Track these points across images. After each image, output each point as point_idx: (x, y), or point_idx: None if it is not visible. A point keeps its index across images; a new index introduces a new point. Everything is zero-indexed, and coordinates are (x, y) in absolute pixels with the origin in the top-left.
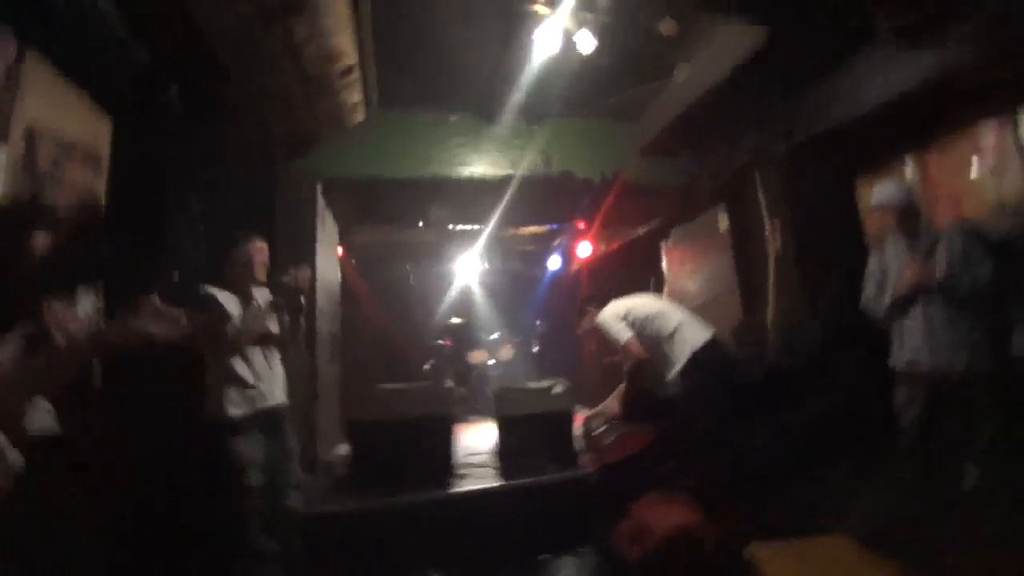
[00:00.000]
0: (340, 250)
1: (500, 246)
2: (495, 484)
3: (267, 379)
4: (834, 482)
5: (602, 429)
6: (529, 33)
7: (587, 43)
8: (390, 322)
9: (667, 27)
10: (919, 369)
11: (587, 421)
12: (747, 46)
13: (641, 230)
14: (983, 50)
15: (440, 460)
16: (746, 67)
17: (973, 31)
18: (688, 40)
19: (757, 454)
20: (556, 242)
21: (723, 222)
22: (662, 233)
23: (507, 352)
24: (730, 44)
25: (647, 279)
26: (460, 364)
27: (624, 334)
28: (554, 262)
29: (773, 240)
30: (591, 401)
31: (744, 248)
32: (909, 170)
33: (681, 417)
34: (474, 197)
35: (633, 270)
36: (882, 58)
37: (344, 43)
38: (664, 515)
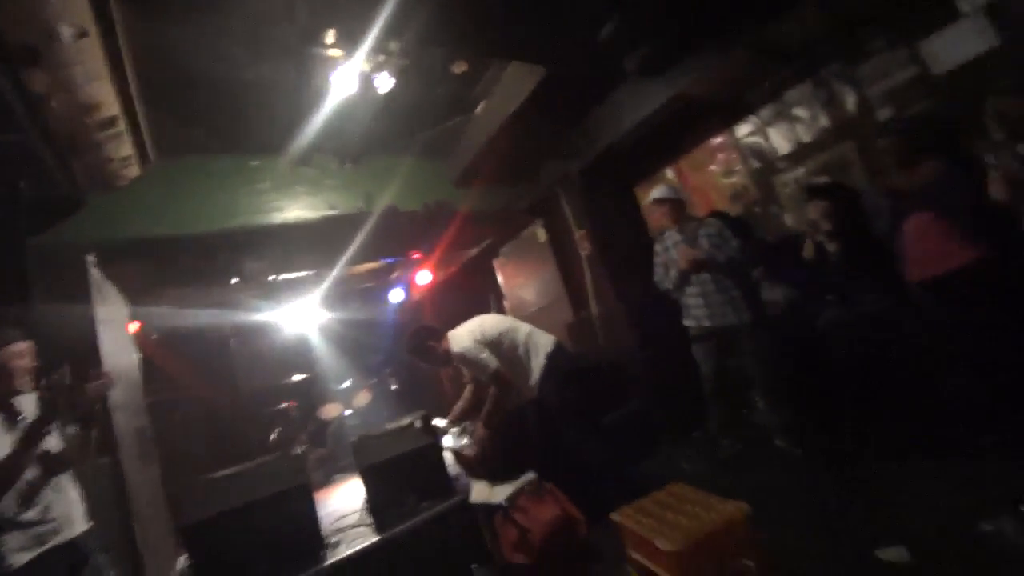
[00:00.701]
0: (134, 326)
1: (334, 288)
2: (371, 541)
3: (57, 507)
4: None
5: (464, 443)
6: (325, 75)
7: (385, 83)
8: (216, 397)
9: (459, 67)
10: (704, 328)
11: (455, 454)
12: (528, 85)
13: (474, 250)
14: (705, 80)
15: (306, 535)
16: (530, 102)
17: (696, 63)
18: (481, 76)
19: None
20: (394, 275)
21: (542, 235)
22: (493, 251)
23: (363, 398)
24: (516, 82)
25: (487, 295)
26: (312, 423)
27: (491, 361)
28: (396, 295)
29: (582, 246)
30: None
31: (562, 256)
32: (670, 175)
33: (544, 416)
34: (294, 243)
35: (472, 290)
36: (631, 90)
37: (101, 92)
38: (536, 514)
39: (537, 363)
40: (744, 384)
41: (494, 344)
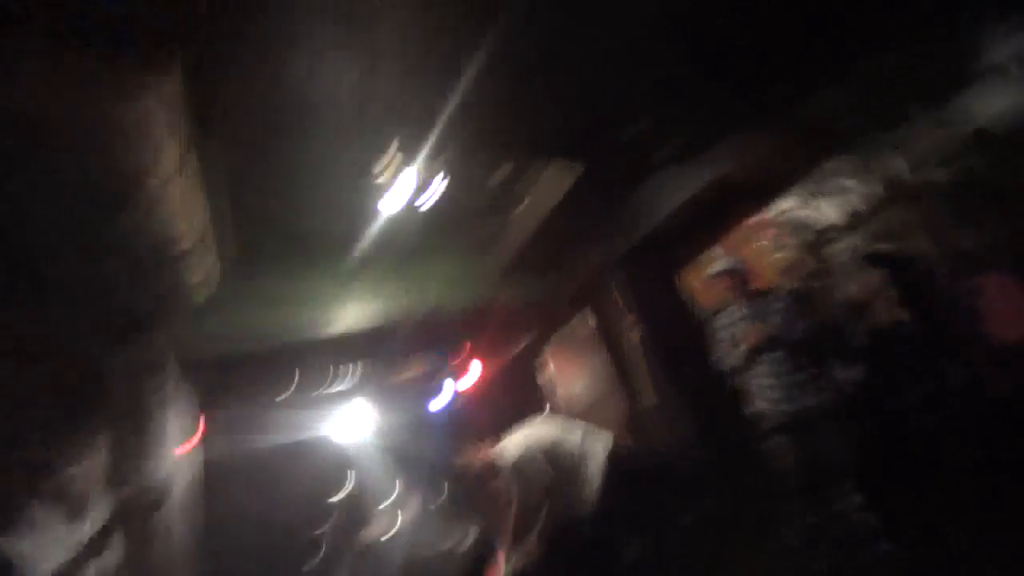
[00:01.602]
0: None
1: (383, 394)
2: None
3: None
4: None
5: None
6: (377, 198)
7: (430, 199)
8: (265, 513)
9: (501, 173)
10: (780, 412)
11: None
12: (569, 180)
13: (521, 346)
14: (742, 159)
15: None
16: (569, 197)
17: (733, 146)
18: (522, 175)
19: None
20: (440, 377)
21: (591, 320)
22: (541, 343)
23: (411, 509)
24: (557, 177)
25: (536, 391)
26: (359, 543)
27: (547, 473)
28: (441, 399)
29: (633, 332)
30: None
31: (612, 345)
32: (720, 252)
33: (605, 529)
34: (344, 354)
35: (523, 386)
36: (670, 174)
37: (181, 229)
38: None
39: (595, 467)
40: (833, 478)
41: (549, 453)
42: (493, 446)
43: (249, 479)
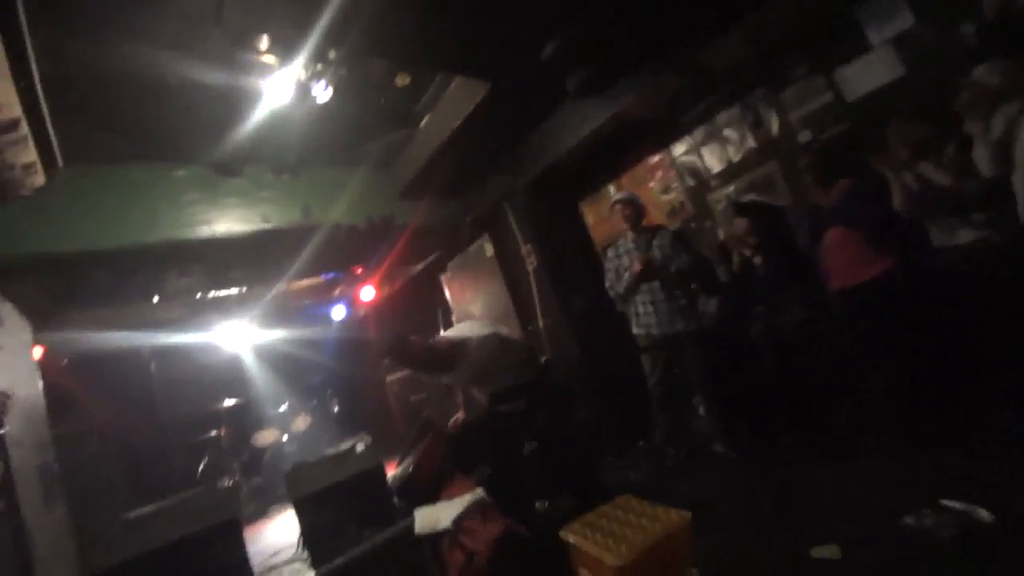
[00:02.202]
0: (38, 351)
1: (271, 306)
2: None
3: None
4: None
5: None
6: (258, 82)
7: (323, 94)
8: (134, 428)
9: (402, 79)
10: (652, 337)
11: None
12: (472, 99)
13: (420, 265)
14: (642, 101)
15: (235, 573)
16: (475, 116)
17: (635, 84)
18: (425, 90)
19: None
20: (336, 291)
21: (489, 249)
22: (440, 266)
23: (302, 422)
24: (461, 97)
25: (435, 310)
26: (246, 452)
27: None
28: (338, 312)
29: (529, 260)
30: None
31: (509, 270)
32: (612, 191)
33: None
34: (224, 258)
35: (419, 305)
36: (573, 109)
37: (1, 93)
38: (483, 535)
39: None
40: (687, 392)
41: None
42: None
43: (121, 391)
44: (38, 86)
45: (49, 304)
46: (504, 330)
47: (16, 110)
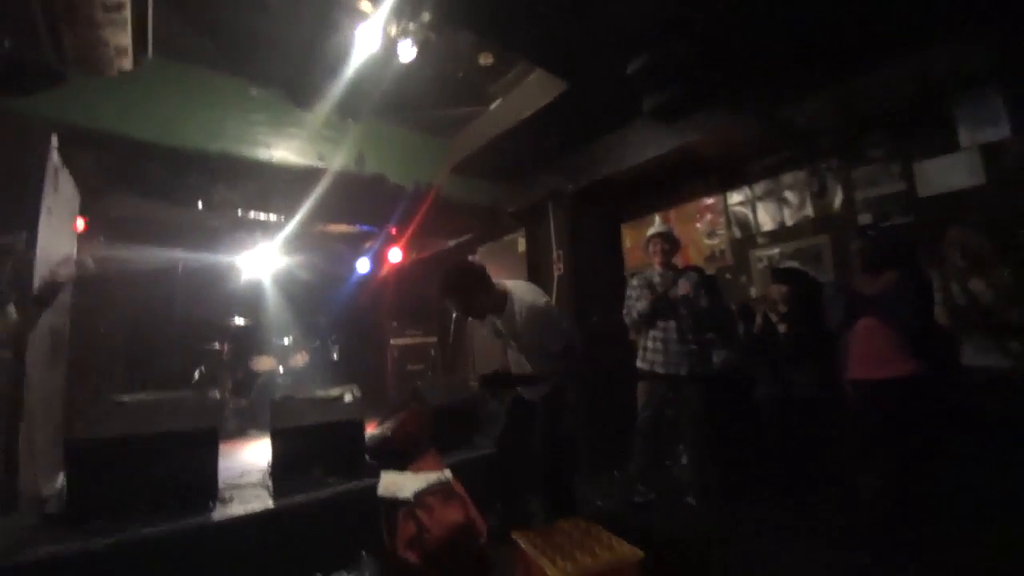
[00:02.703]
0: (81, 223)
1: (302, 241)
2: (266, 506)
3: None
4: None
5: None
6: (350, 27)
7: (407, 53)
8: (147, 318)
9: (485, 58)
10: (656, 372)
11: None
12: (548, 95)
13: (452, 242)
14: (712, 139)
15: (200, 483)
16: (545, 112)
17: (708, 122)
18: (504, 75)
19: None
20: (367, 244)
21: (521, 244)
22: (470, 248)
23: (300, 359)
24: (537, 90)
25: None
26: (241, 372)
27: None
28: (363, 264)
29: (557, 266)
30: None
31: (536, 270)
32: (658, 221)
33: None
34: (273, 183)
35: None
36: (642, 129)
37: None
38: (440, 516)
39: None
40: (674, 436)
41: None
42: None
43: (145, 281)
44: None
45: (102, 182)
46: (553, 313)
47: None
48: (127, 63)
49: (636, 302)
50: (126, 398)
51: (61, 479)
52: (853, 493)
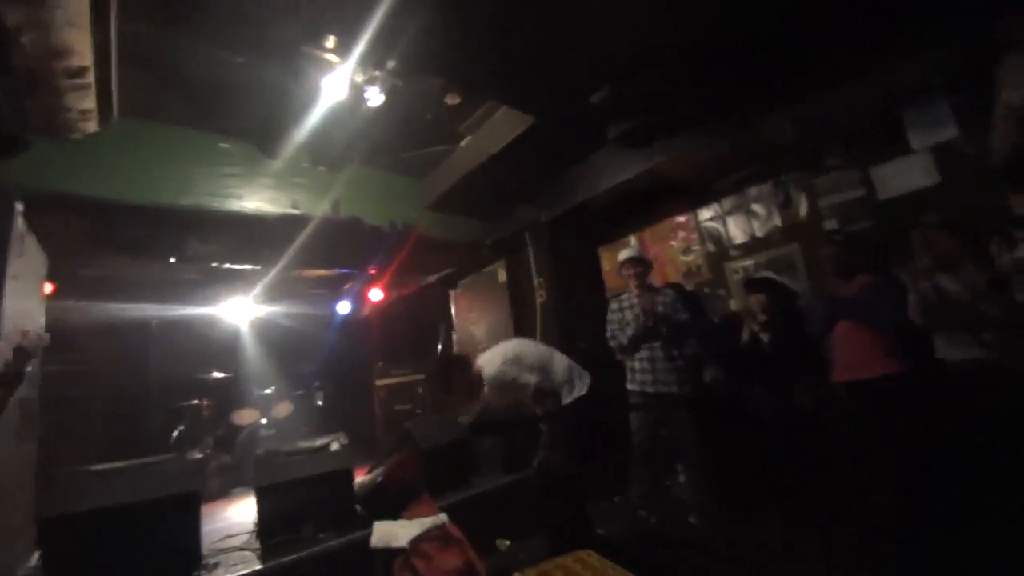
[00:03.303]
0: (49, 287)
1: (280, 289)
2: (253, 569)
3: None
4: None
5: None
6: (317, 76)
7: (375, 98)
8: (122, 378)
9: (452, 98)
10: (646, 394)
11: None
12: (515, 129)
13: (432, 278)
14: (679, 161)
15: (183, 550)
16: (514, 146)
17: (674, 145)
18: (471, 113)
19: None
20: (347, 286)
21: (502, 274)
22: (450, 282)
23: (284, 408)
24: (504, 125)
25: (437, 324)
26: (223, 427)
27: (529, 378)
28: (344, 307)
29: (539, 294)
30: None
31: (518, 299)
32: (633, 242)
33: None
34: (247, 234)
35: (423, 316)
36: (611, 155)
37: (76, 40)
38: (439, 563)
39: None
40: (672, 457)
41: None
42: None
43: (119, 341)
44: (113, 40)
45: (71, 244)
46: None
47: (87, 59)
48: (92, 126)
49: (619, 331)
50: (101, 467)
51: (33, 559)
52: (857, 503)
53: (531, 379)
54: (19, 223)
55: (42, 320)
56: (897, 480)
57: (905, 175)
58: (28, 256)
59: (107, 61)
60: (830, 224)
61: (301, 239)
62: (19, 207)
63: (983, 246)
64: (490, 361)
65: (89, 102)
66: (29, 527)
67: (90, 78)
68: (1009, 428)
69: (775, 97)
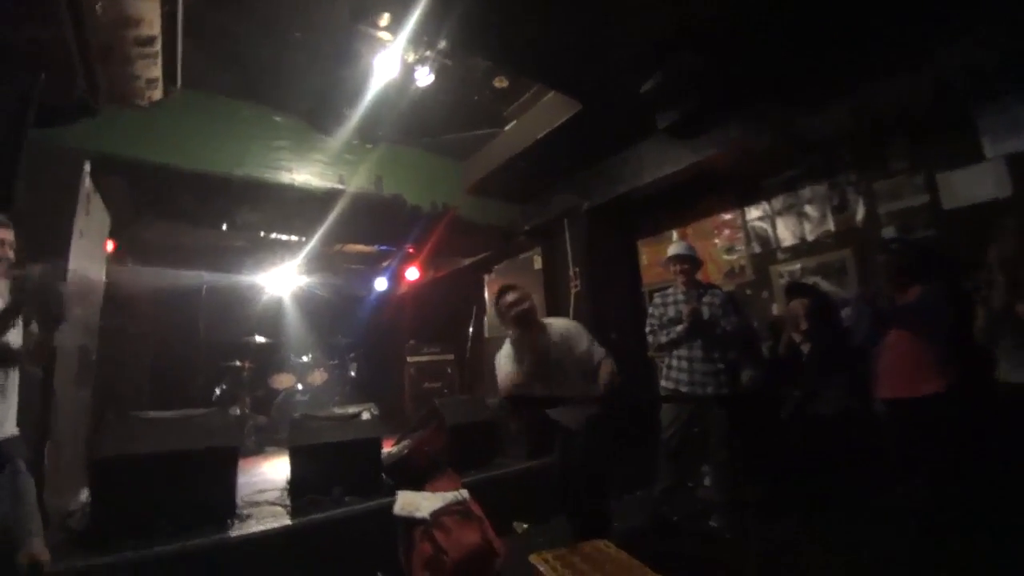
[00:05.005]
0: (111, 245)
1: (321, 261)
2: (283, 523)
3: None
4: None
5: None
6: (369, 54)
7: (425, 78)
8: (172, 337)
9: (500, 81)
10: (681, 392)
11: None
12: (562, 115)
13: (468, 261)
14: (728, 155)
15: (219, 500)
16: (559, 132)
17: (723, 136)
18: (518, 97)
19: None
20: (385, 263)
21: (538, 261)
22: (486, 266)
23: (319, 376)
24: (551, 110)
25: (470, 307)
26: (261, 389)
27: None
28: (381, 283)
29: (574, 283)
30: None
31: (553, 287)
32: (675, 238)
33: None
34: (295, 206)
35: (457, 298)
36: (657, 146)
37: (146, 10)
38: (458, 537)
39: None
40: (697, 457)
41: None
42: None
43: (172, 302)
44: (179, 11)
45: (132, 206)
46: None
47: (156, 28)
48: (157, 94)
49: (658, 327)
50: (151, 415)
51: (85, 494)
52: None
53: (598, 351)
54: (87, 183)
55: (103, 275)
56: (934, 491)
57: (975, 184)
58: (94, 215)
59: (174, 31)
60: (888, 231)
61: (345, 213)
62: (87, 168)
63: None
64: (553, 323)
65: (156, 71)
66: (81, 465)
67: (157, 47)
68: None
69: (831, 86)
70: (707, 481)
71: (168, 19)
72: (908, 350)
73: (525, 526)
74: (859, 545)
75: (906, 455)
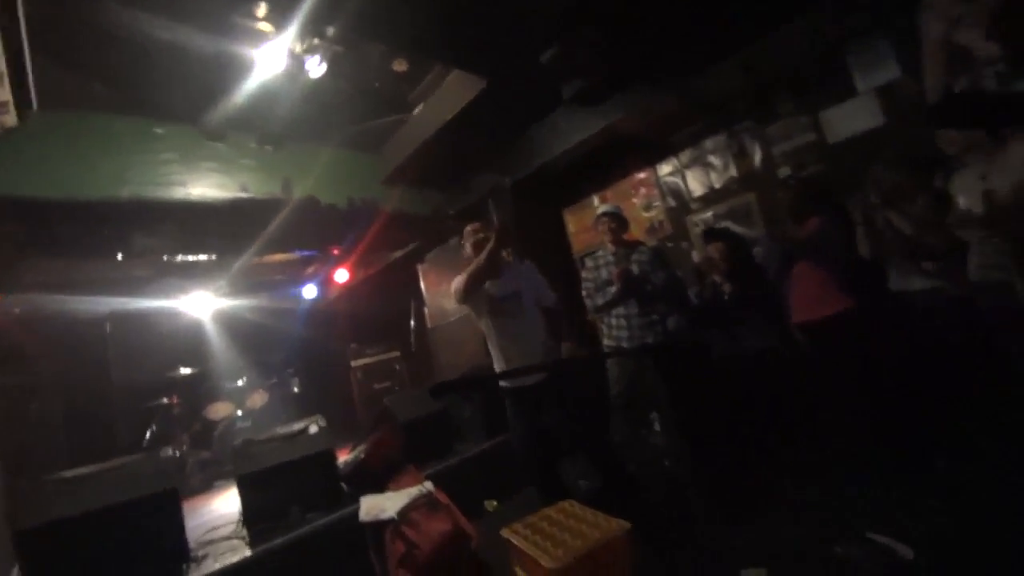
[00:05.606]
0: None
1: (240, 277)
2: (239, 557)
3: None
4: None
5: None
6: (251, 49)
7: (316, 69)
8: (80, 384)
9: (399, 64)
10: (623, 350)
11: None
12: (468, 94)
13: (398, 253)
14: (634, 117)
15: (169, 547)
16: (469, 111)
17: (628, 100)
18: (421, 80)
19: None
20: (311, 270)
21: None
22: (417, 257)
23: (258, 398)
24: (457, 90)
25: (408, 300)
26: (197, 423)
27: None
28: (310, 291)
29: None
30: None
31: None
32: (596, 202)
33: None
34: (196, 223)
35: (393, 293)
36: (567, 116)
37: None
38: (428, 529)
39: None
40: (646, 406)
41: None
42: None
43: (73, 346)
44: (23, 26)
45: (8, 250)
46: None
47: None
48: (10, 120)
49: (594, 291)
50: (68, 474)
51: (16, 573)
52: (816, 430)
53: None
54: None
55: None
56: (859, 413)
57: (852, 117)
58: None
59: (19, 48)
60: (784, 171)
61: (255, 223)
62: None
63: (927, 181)
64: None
65: (4, 94)
66: (4, 543)
67: (2, 67)
68: (958, 352)
69: (722, 45)
70: (656, 427)
71: (11, 36)
72: (813, 277)
73: (495, 503)
74: (804, 466)
75: (819, 374)
